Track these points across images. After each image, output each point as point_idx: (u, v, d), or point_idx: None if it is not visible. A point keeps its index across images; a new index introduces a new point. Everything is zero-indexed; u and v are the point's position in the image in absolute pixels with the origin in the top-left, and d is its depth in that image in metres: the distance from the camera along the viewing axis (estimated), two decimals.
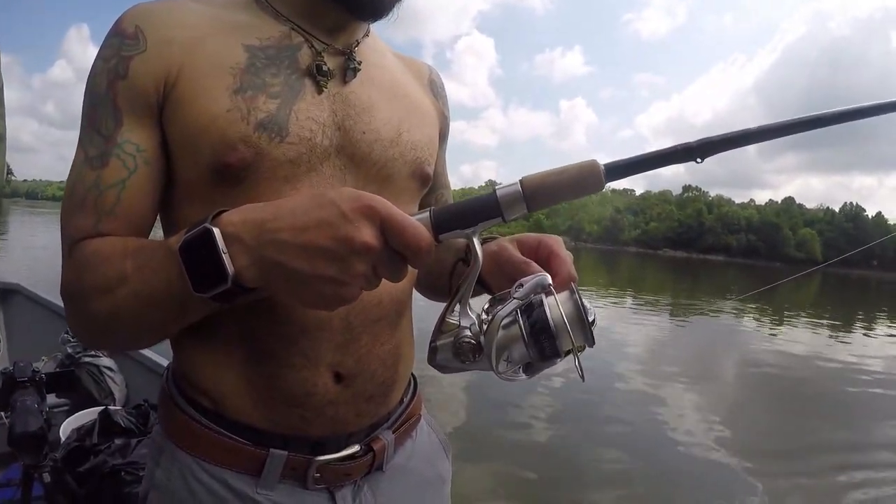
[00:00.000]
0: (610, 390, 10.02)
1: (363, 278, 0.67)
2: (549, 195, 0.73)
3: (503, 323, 0.69)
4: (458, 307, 0.74)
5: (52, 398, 3.26)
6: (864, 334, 20.81)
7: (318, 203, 0.67)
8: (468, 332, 0.71)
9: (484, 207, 0.72)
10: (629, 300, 24.92)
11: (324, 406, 0.90)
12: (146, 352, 3.59)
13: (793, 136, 0.81)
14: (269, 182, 0.86)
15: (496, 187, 0.72)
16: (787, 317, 23.82)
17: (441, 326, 0.74)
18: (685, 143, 0.75)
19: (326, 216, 0.65)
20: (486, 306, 0.74)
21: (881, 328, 22.95)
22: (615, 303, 23.11)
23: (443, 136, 1.18)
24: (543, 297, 0.70)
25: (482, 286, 0.93)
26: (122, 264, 0.77)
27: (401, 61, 1.13)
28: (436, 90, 1.19)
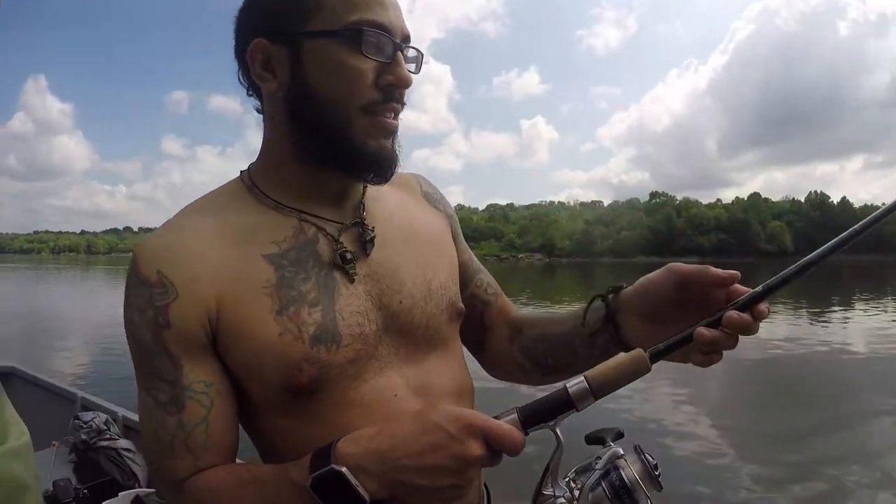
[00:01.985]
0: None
1: (474, 478, 0.80)
2: (609, 385, 0.81)
3: (591, 488, 0.80)
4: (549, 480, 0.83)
5: (75, 485, 3.28)
6: (844, 318, 21.09)
7: (426, 428, 0.78)
8: (563, 500, 0.80)
9: (560, 403, 0.80)
10: None
11: None
12: None
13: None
14: (337, 383, 0.92)
15: (567, 385, 0.81)
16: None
17: (537, 498, 0.82)
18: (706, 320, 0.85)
19: (437, 440, 0.76)
20: (572, 475, 0.84)
21: (858, 310, 23.32)
22: None
23: (455, 234, 1.23)
24: (618, 462, 0.81)
25: (619, 343, 1.00)
26: (241, 496, 0.86)
27: (394, 188, 1.12)
28: (431, 200, 1.21)
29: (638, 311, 0.97)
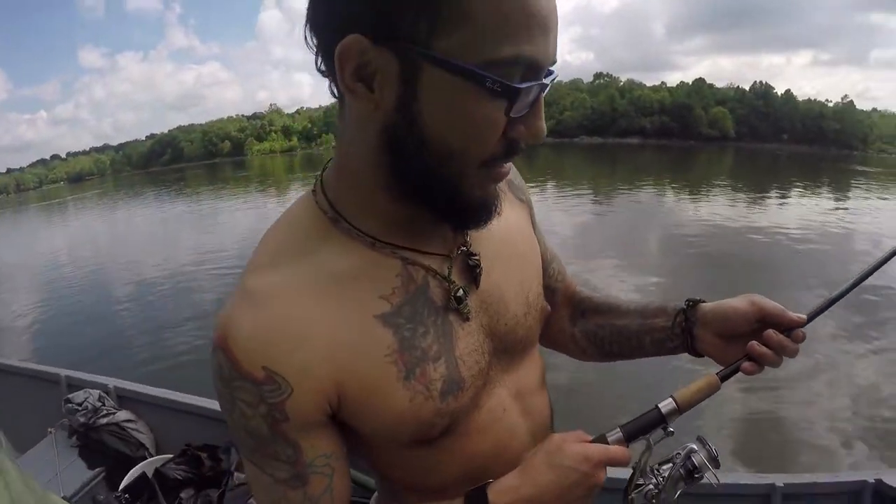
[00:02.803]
0: None
1: None
2: (692, 405, 0.97)
3: (673, 476, 0.99)
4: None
5: (85, 471, 3.33)
6: (780, 203, 21.68)
7: (565, 474, 0.87)
8: (651, 486, 0.99)
9: (655, 421, 0.96)
10: (550, 188, 25.26)
11: None
12: (158, 392, 3.57)
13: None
14: (460, 421, 0.94)
15: (659, 406, 0.96)
16: (704, 192, 24.69)
17: (631, 486, 1.00)
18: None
19: (576, 480, 0.87)
20: (655, 465, 1.01)
21: (794, 196, 24.01)
22: (540, 191, 23.52)
23: (534, 224, 1.19)
24: (692, 454, 0.99)
25: (692, 350, 1.12)
26: None
27: None
28: (515, 190, 1.12)
29: (714, 330, 1.07)
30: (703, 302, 1.10)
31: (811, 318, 1.01)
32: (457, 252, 0.94)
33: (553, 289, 1.28)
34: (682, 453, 1.00)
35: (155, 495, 2.77)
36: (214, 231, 20.27)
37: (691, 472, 0.98)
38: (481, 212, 0.84)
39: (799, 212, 19.22)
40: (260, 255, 0.87)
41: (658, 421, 0.96)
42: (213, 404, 3.14)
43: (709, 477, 0.99)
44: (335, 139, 0.88)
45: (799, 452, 5.57)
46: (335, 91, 0.80)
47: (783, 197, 23.73)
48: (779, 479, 2.46)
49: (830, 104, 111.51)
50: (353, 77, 0.71)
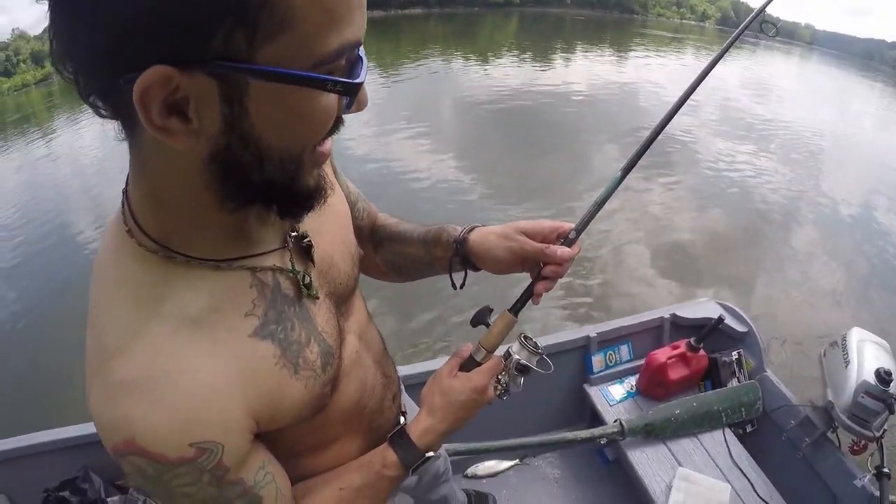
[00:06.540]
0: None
1: None
2: (499, 343, 1.24)
3: (513, 375, 1.25)
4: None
5: None
6: (566, 64, 22.51)
7: (462, 404, 1.18)
8: (501, 387, 1.25)
9: (474, 365, 1.23)
10: None
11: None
12: None
13: None
14: (337, 375, 1.07)
15: (472, 354, 1.25)
16: (492, 55, 25.12)
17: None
18: None
19: (466, 402, 1.18)
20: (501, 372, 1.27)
21: (579, 55, 25.01)
22: None
23: (336, 172, 1.28)
24: (516, 356, 1.24)
25: (470, 265, 1.32)
26: (361, 497, 1.13)
27: None
28: None
29: (487, 267, 1.30)
30: (472, 230, 1.31)
31: (579, 231, 1.22)
32: (290, 238, 0.99)
33: (361, 227, 1.43)
34: (509, 362, 1.25)
35: None
36: None
37: (523, 368, 1.24)
38: (316, 197, 0.84)
39: (585, 69, 20.21)
40: (109, 336, 0.79)
41: (475, 365, 1.23)
42: (50, 435, 2.69)
43: (536, 367, 1.25)
44: (130, 168, 0.79)
45: (615, 302, 6.37)
46: (122, 126, 0.70)
47: (569, 57, 24.67)
48: (592, 330, 3.00)
49: None
50: (163, 114, 0.62)
